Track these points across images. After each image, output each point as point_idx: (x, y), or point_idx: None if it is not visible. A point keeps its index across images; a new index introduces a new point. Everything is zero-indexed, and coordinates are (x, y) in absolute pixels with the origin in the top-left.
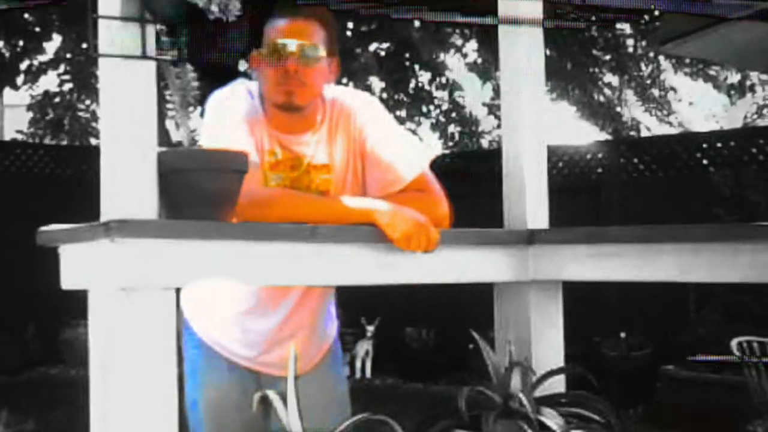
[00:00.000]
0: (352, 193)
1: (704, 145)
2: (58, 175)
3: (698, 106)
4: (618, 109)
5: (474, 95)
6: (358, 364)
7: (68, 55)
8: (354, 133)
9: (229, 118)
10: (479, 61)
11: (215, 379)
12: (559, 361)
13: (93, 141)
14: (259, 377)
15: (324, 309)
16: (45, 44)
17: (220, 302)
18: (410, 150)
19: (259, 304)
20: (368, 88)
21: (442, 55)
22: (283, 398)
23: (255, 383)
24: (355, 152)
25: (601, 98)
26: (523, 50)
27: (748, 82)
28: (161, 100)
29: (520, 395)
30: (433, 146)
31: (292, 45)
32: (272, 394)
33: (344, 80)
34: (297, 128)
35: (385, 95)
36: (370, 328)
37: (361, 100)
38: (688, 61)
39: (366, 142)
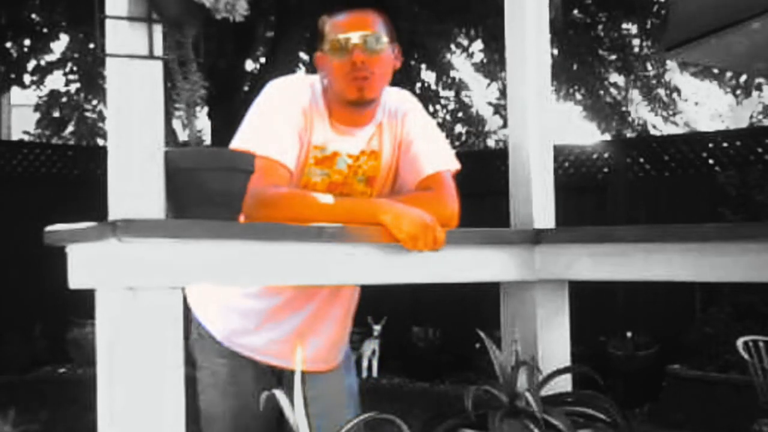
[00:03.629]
0: (393, 181)
1: (710, 145)
2: (65, 174)
3: (704, 105)
4: (624, 108)
5: (480, 95)
6: (365, 364)
7: (75, 55)
8: (397, 122)
9: (279, 111)
10: (485, 60)
11: (242, 388)
12: (565, 361)
13: (100, 141)
14: (282, 376)
15: (351, 312)
16: (52, 44)
17: (234, 303)
18: (438, 148)
19: (285, 302)
20: None
21: (448, 55)
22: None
23: (282, 384)
24: (396, 141)
25: (608, 98)
26: (530, 50)
27: (754, 82)
28: (168, 100)
29: (527, 394)
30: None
31: (355, 37)
32: (279, 393)
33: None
34: (361, 121)
35: None
36: (377, 328)
37: (405, 93)
38: None
39: (404, 130)
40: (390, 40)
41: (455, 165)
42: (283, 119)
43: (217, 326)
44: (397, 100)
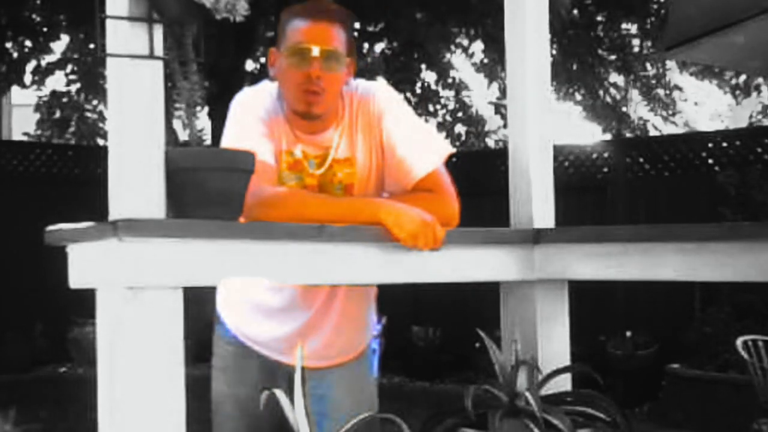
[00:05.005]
0: (375, 186)
1: (710, 145)
2: (65, 174)
3: (704, 105)
4: (624, 108)
5: (480, 95)
6: None
7: (75, 56)
8: (373, 123)
9: (248, 117)
10: (485, 60)
11: (248, 376)
12: (565, 360)
13: (100, 141)
14: (291, 371)
15: (363, 310)
16: (52, 44)
17: (251, 295)
18: (425, 145)
19: (292, 299)
20: None
21: (448, 55)
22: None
23: (285, 377)
24: (375, 143)
25: (607, 98)
26: (530, 50)
27: (754, 82)
28: (168, 100)
29: (527, 394)
30: (448, 143)
31: (316, 50)
32: (279, 392)
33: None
34: (319, 127)
35: None
36: (377, 327)
37: (378, 89)
38: None
39: (383, 133)
40: (348, 55)
41: (446, 150)
42: (255, 126)
43: (229, 314)
44: (369, 100)
